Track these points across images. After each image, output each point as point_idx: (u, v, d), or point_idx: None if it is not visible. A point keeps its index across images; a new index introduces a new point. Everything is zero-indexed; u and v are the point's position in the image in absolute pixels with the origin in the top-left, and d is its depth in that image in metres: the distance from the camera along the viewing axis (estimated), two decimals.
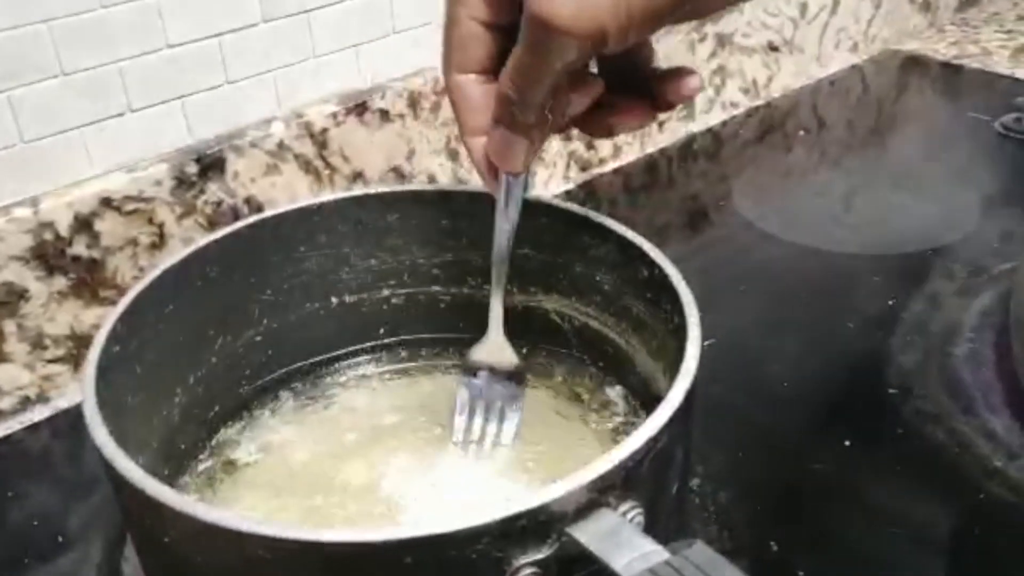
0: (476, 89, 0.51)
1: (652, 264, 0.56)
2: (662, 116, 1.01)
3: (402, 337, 0.70)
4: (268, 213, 0.64)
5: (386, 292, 0.68)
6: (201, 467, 0.62)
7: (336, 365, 0.69)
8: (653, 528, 0.44)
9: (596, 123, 0.53)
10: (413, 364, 0.69)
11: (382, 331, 0.70)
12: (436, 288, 0.68)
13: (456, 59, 0.51)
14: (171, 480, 0.60)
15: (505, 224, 0.56)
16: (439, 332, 0.69)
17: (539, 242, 0.64)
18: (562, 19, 0.43)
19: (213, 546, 0.43)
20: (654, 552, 0.41)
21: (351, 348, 0.69)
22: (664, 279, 0.55)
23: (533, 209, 0.63)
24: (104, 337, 0.53)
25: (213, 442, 0.64)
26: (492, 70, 0.50)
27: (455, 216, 0.65)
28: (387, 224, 0.65)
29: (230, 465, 0.62)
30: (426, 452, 0.61)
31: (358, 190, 0.68)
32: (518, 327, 0.66)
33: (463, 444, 0.61)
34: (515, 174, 0.53)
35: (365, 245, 0.66)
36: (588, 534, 0.42)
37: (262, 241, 0.63)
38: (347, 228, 0.65)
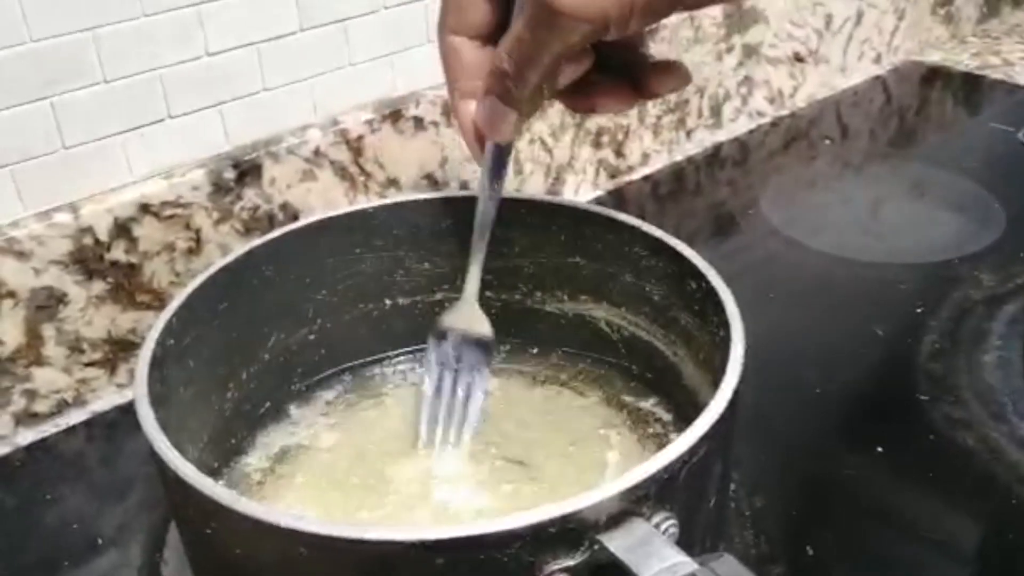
0: (470, 53, 0.51)
1: (700, 276, 0.57)
2: (690, 124, 1.03)
3: None
4: (326, 214, 0.65)
5: (439, 296, 0.69)
6: (250, 462, 0.63)
7: (387, 365, 0.70)
8: (688, 540, 0.44)
9: (579, 99, 0.53)
10: None
11: None
12: (487, 293, 0.67)
13: (452, 21, 0.51)
14: (220, 473, 0.61)
15: (487, 192, 0.56)
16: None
17: (591, 252, 0.65)
18: (566, 3, 0.43)
19: (252, 540, 0.44)
20: (682, 564, 0.41)
21: (402, 349, 0.70)
22: (711, 292, 0.55)
23: (586, 218, 0.64)
24: (159, 331, 0.54)
25: (263, 437, 0.65)
26: (488, 36, 0.51)
27: (508, 224, 0.65)
28: (442, 229, 0.66)
29: (279, 461, 0.63)
30: (472, 455, 0.62)
31: (415, 195, 0.68)
32: (568, 335, 0.68)
33: (429, 426, 0.61)
34: (502, 144, 0.53)
35: (420, 249, 0.67)
36: (619, 543, 0.42)
37: (318, 242, 0.64)
38: (403, 232, 0.66)
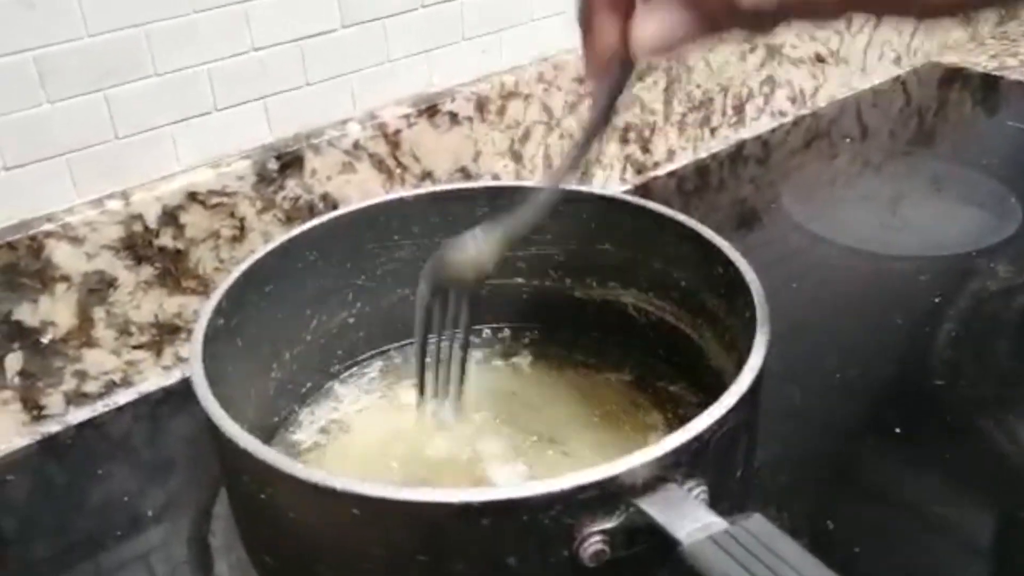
0: None
1: (727, 262, 0.58)
2: (714, 122, 1.05)
3: (486, 325, 0.72)
4: (367, 203, 0.67)
5: None
6: (292, 439, 0.65)
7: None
8: (717, 508, 0.45)
9: None
10: (494, 351, 0.72)
11: None
12: (519, 280, 0.70)
13: None
14: None
15: (603, 118, 0.50)
16: (520, 322, 0.71)
17: (620, 239, 0.66)
18: None
19: (307, 503, 0.46)
20: (714, 523, 0.43)
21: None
22: (737, 276, 0.57)
23: (615, 207, 0.66)
24: (210, 311, 0.56)
25: (304, 416, 0.67)
26: None
27: None
28: (475, 218, 0.66)
29: (319, 439, 0.65)
30: (504, 432, 0.64)
31: (450, 185, 0.70)
32: (597, 320, 0.70)
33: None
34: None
35: (455, 237, 0.68)
36: (653, 505, 0.44)
37: (359, 229, 0.66)
38: (438, 220, 0.67)
